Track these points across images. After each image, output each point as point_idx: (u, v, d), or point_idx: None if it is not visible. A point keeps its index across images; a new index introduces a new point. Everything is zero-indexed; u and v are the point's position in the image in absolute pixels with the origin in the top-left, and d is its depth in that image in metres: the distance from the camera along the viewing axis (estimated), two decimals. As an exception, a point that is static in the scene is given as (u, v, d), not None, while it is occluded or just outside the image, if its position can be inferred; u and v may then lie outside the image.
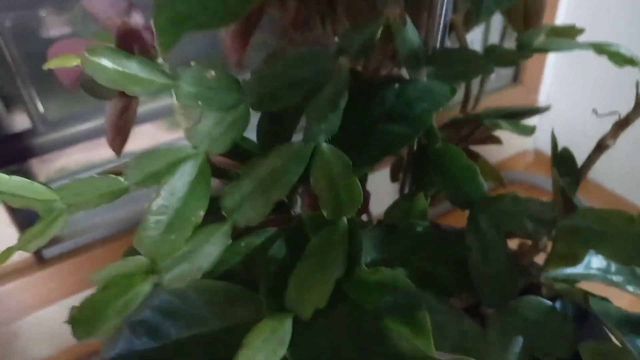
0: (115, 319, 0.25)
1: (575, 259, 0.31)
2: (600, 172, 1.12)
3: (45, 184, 0.28)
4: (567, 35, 0.39)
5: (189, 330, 0.27)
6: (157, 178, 0.27)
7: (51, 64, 0.24)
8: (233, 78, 0.25)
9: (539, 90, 1.22)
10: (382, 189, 0.48)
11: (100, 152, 0.85)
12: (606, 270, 0.35)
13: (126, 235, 0.85)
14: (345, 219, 0.26)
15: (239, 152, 0.28)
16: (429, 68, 0.30)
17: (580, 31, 0.39)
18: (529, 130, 0.33)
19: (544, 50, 0.34)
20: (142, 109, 0.75)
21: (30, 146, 0.86)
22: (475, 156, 0.42)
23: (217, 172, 0.30)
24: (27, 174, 0.85)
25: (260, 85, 0.26)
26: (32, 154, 0.86)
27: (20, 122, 0.84)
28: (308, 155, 0.27)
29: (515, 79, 1.17)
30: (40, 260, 0.81)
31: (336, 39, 0.35)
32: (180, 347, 0.26)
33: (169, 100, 0.27)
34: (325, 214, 0.27)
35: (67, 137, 0.89)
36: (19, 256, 0.79)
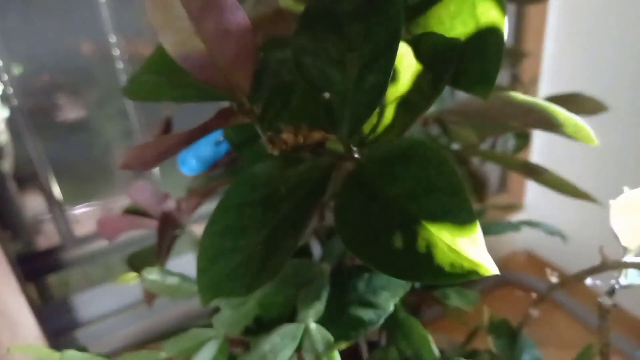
0: None
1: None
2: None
3: (104, 357, 0.37)
4: (508, 211, 0.49)
5: None
6: (188, 353, 0.36)
7: (120, 281, 0.34)
8: (245, 282, 0.35)
9: (524, 196, 1.33)
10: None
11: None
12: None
13: (146, 346, 0.93)
14: (328, 386, 0.35)
15: (250, 330, 0.37)
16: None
17: (519, 207, 0.49)
18: (472, 302, 0.42)
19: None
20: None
21: (59, 261, 0.96)
22: (443, 304, 0.51)
23: (234, 341, 0.39)
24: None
25: (265, 287, 0.35)
26: (61, 267, 0.96)
27: (50, 238, 0.94)
28: (300, 334, 0.36)
29: (501, 187, 1.27)
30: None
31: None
32: None
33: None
34: (313, 381, 0.36)
35: (93, 252, 0.99)
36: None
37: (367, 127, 0.29)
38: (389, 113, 0.28)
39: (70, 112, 0.83)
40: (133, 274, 0.34)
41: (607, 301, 0.33)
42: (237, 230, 0.28)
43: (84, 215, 0.95)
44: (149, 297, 0.48)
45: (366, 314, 0.36)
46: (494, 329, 0.40)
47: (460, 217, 0.23)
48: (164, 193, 0.47)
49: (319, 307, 0.36)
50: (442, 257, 0.23)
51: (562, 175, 0.39)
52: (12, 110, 0.78)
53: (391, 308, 0.36)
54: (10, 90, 0.77)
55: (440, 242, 0.23)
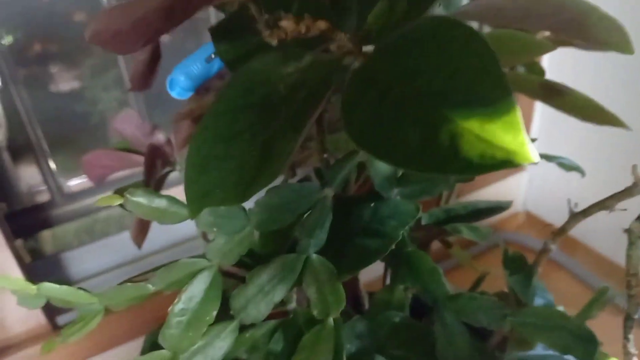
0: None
1: (528, 346, 0.36)
2: (586, 233, 1.16)
3: (85, 290, 0.34)
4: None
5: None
6: (178, 285, 0.33)
7: (101, 202, 0.31)
8: (241, 207, 0.32)
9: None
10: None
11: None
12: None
13: (133, 280, 0.90)
14: (331, 320, 0.32)
15: (245, 263, 0.34)
16: (399, 188, 0.37)
17: (533, 140, 0.46)
18: (484, 236, 0.39)
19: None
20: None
21: (49, 217, 0.93)
22: (449, 245, 0.48)
23: (228, 275, 0.36)
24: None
25: (262, 212, 0.32)
26: (51, 224, 0.93)
27: (39, 195, 0.91)
28: (301, 265, 0.33)
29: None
30: (54, 326, 0.85)
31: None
32: None
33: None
34: (314, 313, 0.33)
35: (83, 209, 0.96)
36: (36, 322, 0.84)
37: (377, 21, 0.25)
38: (402, 3, 0.25)
39: (65, 82, 0.81)
40: (115, 196, 0.31)
41: (637, 227, 0.31)
42: (230, 136, 0.24)
43: (78, 186, 0.93)
44: (139, 235, 0.45)
45: (373, 243, 0.33)
46: (509, 264, 0.37)
47: (492, 99, 0.19)
48: (152, 124, 0.44)
49: (321, 237, 0.33)
50: (470, 149, 0.19)
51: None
52: (4, 81, 0.76)
53: (400, 236, 0.33)
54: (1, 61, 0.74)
55: (466, 133, 0.20)
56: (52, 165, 0.87)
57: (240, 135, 0.24)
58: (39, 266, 0.92)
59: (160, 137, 0.44)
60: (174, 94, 0.38)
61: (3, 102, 0.76)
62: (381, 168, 0.34)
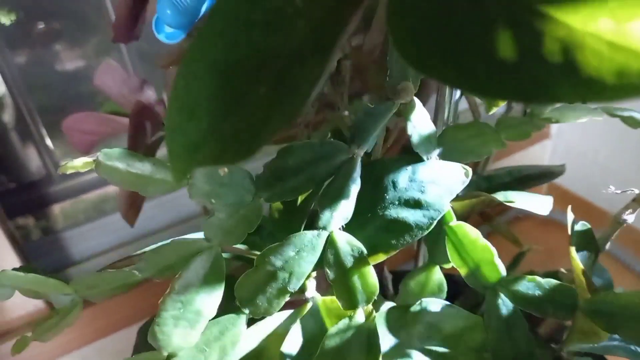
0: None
1: (597, 337, 0.30)
2: (613, 203, 1.09)
3: (59, 279, 0.28)
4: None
5: None
6: (171, 271, 0.26)
7: (68, 169, 0.24)
8: (245, 173, 0.25)
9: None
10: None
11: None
12: (630, 342, 0.34)
13: (140, 285, 0.85)
14: (361, 312, 0.26)
15: (253, 242, 0.28)
16: (440, 147, 0.30)
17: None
18: (544, 207, 0.33)
19: (555, 120, 0.34)
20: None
21: (46, 194, 0.87)
22: (489, 218, 0.42)
23: (233, 258, 0.30)
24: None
25: (272, 179, 0.26)
26: (48, 202, 0.88)
27: (35, 171, 0.86)
28: (322, 245, 0.27)
29: (526, 112, 1.15)
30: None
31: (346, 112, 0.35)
32: None
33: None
34: (340, 305, 0.26)
35: (82, 185, 0.90)
36: (34, 307, 0.79)
37: None
38: None
39: (69, 61, 0.76)
40: (84, 159, 0.24)
41: None
42: (229, 67, 0.18)
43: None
44: (129, 210, 0.39)
45: (412, 215, 0.27)
46: (577, 238, 0.30)
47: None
48: (141, 79, 0.37)
49: (346, 209, 0.27)
50: (599, 64, 0.12)
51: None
52: (5, 61, 0.71)
53: (446, 207, 0.26)
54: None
55: (591, 40, 0.13)
56: (49, 142, 0.81)
57: (243, 64, 0.17)
58: (37, 246, 0.87)
59: (150, 94, 0.37)
60: (161, 37, 0.31)
61: (6, 84, 0.71)
62: (420, 123, 0.28)
